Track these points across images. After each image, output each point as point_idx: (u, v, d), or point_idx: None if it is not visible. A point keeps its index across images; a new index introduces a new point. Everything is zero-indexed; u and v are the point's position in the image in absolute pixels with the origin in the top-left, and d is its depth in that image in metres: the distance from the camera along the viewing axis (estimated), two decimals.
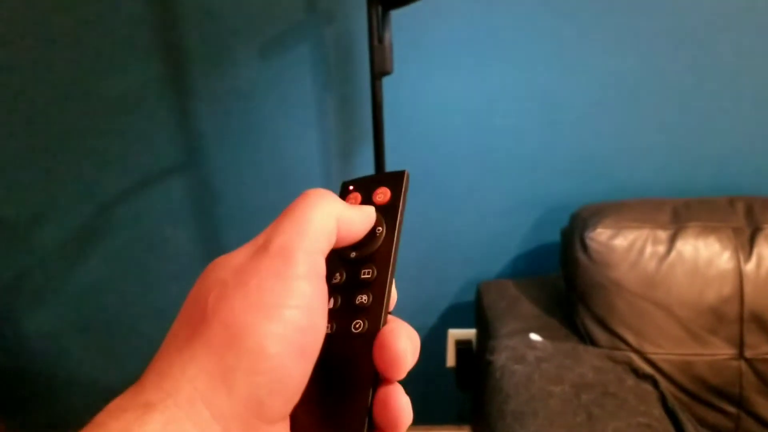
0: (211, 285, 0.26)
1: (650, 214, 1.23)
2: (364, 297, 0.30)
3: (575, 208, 1.33)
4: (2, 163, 1.48)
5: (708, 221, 1.20)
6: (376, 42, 1.05)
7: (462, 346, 1.63)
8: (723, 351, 1.15)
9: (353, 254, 0.32)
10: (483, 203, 1.48)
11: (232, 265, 0.27)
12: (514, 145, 1.42)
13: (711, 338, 1.15)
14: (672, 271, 1.16)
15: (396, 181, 0.34)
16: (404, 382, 0.29)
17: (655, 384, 1.09)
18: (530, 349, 1.14)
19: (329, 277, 0.31)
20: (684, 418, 1.02)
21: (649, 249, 1.18)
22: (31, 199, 1.52)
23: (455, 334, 1.65)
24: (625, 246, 1.19)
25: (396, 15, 1.10)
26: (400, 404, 0.27)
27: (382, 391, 0.28)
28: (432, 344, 1.67)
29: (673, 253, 1.17)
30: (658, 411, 1.02)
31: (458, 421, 1.78)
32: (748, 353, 1.14)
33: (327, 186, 1.35)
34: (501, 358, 1.14)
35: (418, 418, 1.71)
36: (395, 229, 0.32)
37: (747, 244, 1.17)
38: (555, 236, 1.44)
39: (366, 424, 0.27)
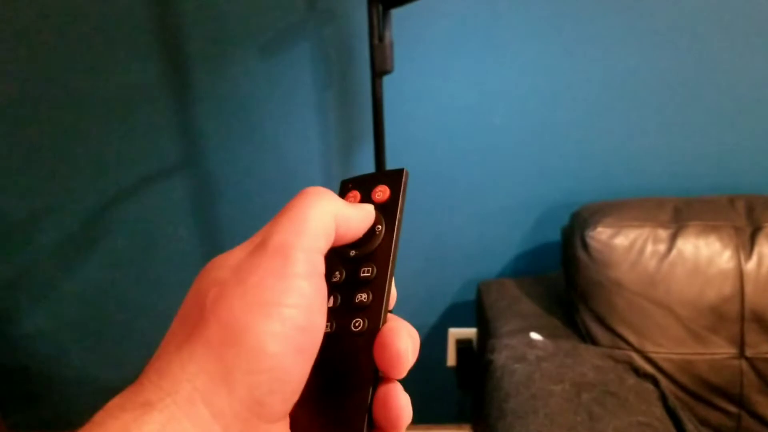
0: (210, 284, 0.26)
1: (651, 213, 1.23)
2: (364, 295, 0.30)
3: (576, 207, 1.33)
4: (2, 162, 1.48)
5: (709, 220, 1.20)
6: (376, 41, 1.05)
7: (462, 345, 1.63)
8: (723, 350, 1.15)
9: (353, 253, 0.32)
10: (483, 202, 1.48)
11: (230, 264, 0.27)
12: (514, 143, 1.42)
13: (711, 337, 1.15)
14: (673, 270, 1.16)
15: (395, 179, 0.34)
16: (404, 381, 0.29)
17: (655, 383, 1.09)
18: (531, 348, 1.14)
19: (328, 276, 0.30)
20: (684, 417, 1.02)
21: (649, 248, 1.18)
22: (32, 199, 1.52)
23: (455, 333, 1.65)
24: (625, 245, 1.19)
25: (396, 14, 1.10)
26: (400, 403, 0.27)
27: (382, 390, 0.28)
28: (432, 343, 1.67)
29: (674, 252, 1.16)
30: (658, 410, 1.02)
31: (458, 420, 1.78)
32: (748, 352, 1.14)
33: (327, 185, 1.35)
34: (501, 357, 1.13)
35: (418, 418, 1.72)
36: (395, 228, 0.32)
37: (748, 243, 1.16)
38: (555, 235, 1.44)
39: (366, 423, 0.27)
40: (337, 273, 0.32)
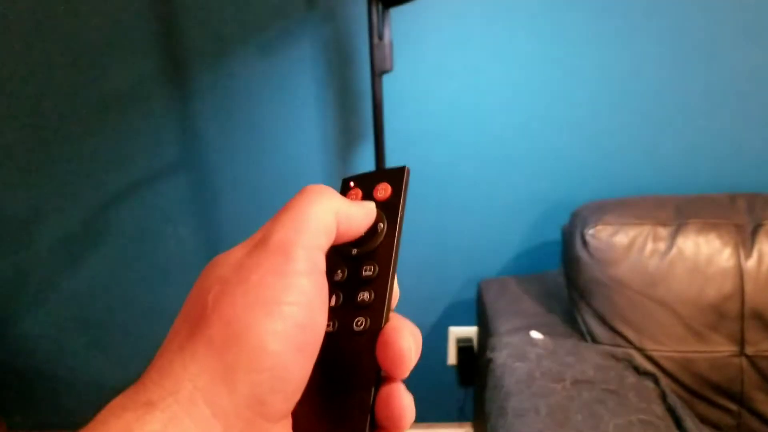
0: (211, 282, 0.26)
1: (651, 211, 1.23)
2: (366, 294, 0.30)
3: (576, 205, 1.33)
4: (2, 163, 1.48)
5: (709, 218, 1.20)
6: (376, 40, 1.05)
7: (463, 344, 1.63)
8: (724, 348, 1.15)
9: (354, 251, 0.32)
10: (484, 201, 1.48)
11: (231, 262, 0.27)
12: (514, 142, 1.42)
13: (712, 335, 1.15)
14: (673, 268, 1.16)
15: (397, 177, 0.34)
16: (405, 380, 0.29)
17: (656, 381, 1.09)
18: (531, 347, 1.14)
19: (330, 275, 0.30)
20: (685, 415, 1.02)
21: (649, 246, 1.18)
22: (31, 199, 1.52)
23: (456, 331, 1.65)
24: (625, 243, 1.19)
25: (396, 13, 1.10)
26: (402, 403, 0.27)
27: (385, 390, 0.27)
28: (433, 342, 1.67)
29: (674, 250, 1.16)
30: (659, 408, 1.01)
31: (459, 418, 1.79)
32: (748, 350, 1.14)
33: (327, 183, 1.36)
34: (502, 355, 1.14)
35: (420, 416, 1.72)
36: (396, 226, 0.32)
37: (748, 241, 1.16)
38: (556, 233, 1.44)
39: (368, 423, 0.27)
40: (339, 271, 0.31)
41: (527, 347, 1.14)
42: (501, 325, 1.27)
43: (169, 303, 1.62)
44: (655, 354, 1.16)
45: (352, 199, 0.34)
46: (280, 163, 1.46)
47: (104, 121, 1.43)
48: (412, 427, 0.28)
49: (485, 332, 1.34)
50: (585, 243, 1.21)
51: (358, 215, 0.30)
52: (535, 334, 1.19)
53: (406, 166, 0.34)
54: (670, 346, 1.16)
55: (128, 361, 1.71)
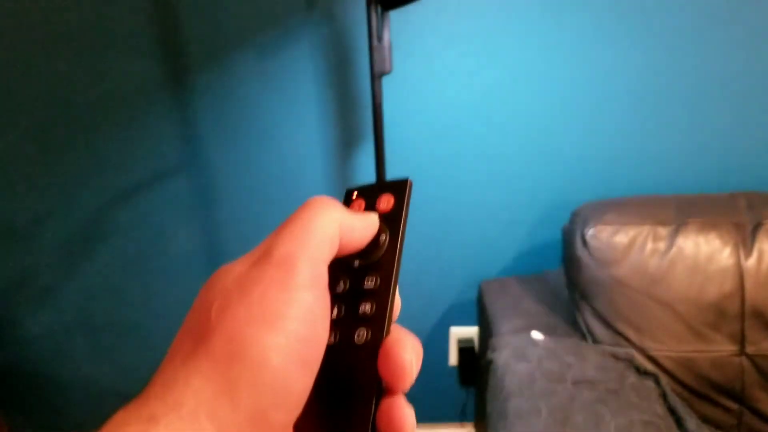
0: (215, 295, 0.26)
1: (651, 211, 1.23)
2: (368, 306, 0.30)
3: (576, 205, 1.33)
4: (3, 164, 1.48)
5: (709, 217, 1.20)
6: (375, 41, 1.05)
7: (464, 344, 1.64)
8: (724, 347, 1.15)
9: (357, 263, 0.32)
10: (484, 201, 1.48)
11: (234, 275, 0.27)
12: (514, 142, 1.42)
13: (712, 334, 1.15)
14: (673, 267, 1.16)
15: (400, 189, 0.34)
16: None
17: (656, 381, 1.10)
18: (532, 347, 1.14)
19: (332, 286, 0.30)
20: (685, 414, 1.02)
21: (650, 246, 1.18)
22: (32, 201, 1.52)
23: (457, 332, 1.65)
24: (626, 243, 1.19)
25: (395, 15, 1.10)
26: (404, 415, 0.27)
27: (386, 402, 0.27)
28: (434, 342, 1.67)
29: (674, 250, 1.16)
30: (660, 408, 1.02)
31: (461, 419, 1.79)
32: (749, 349, 1.14)
33: (327, 184, 1.36)
34: (503, 356, 1.14)
35: (421, 416, 1.72)
36: (398, 237, 0.32)
37: (748, 240, 1.16)
38: (556, 233, 1.45)
39: None
40: (341, 283, 0.31)
41: (528, 348, 1.14)
42: (502, 325, 1.27)
43: (170, 305, 1.62)
44: (655, 353, 1.16)
45: (355, 209, 0.34)
46: (280, 164, 1.46)
47: (104, 124, 1.43)
48: None
49: (486, 332, 1.34)
50: (585, 243, 1.21)
51: (361, 227, 0.31)
52: (536, 335, 1.20)
53: (410, 178, 0.34)
54: (670, 346, 1.16)
55: (130, 363, 1.72)
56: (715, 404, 1.16)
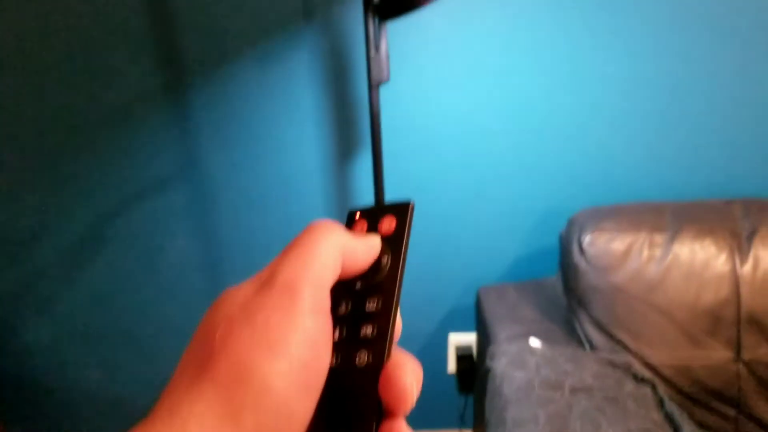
0: (220, 320, 0.27)
1: (647, 218, 1.23)
2: (369, 329, 0.30)
3: (573, 211, 1.33)
4: (2, 174, 1.48)
5: (704, 224, 1.20)
6: (372, 51, 1.06)
7: (462, 351, 1.64)
8: (721, 354, 1.15)
9: (359, 284, 0.32)
10: (481, 207, 1.49)
11: (239, 301, 0.27)
12: (511, 150, 1.43)
13: (709, 341, 1.15)
14: (669, 274, 1.16)
15: (402, 211, 0.34)
16: None
17: (653, 388, 1.10)
18: (530, 355, 1.15)
19: (334, 308, 0.30)
20: (683, 421, 1.02)
21: (646, 252, 1.18)
22: (32, 211, 1.52)
23: (456, 338, 1.65)
24: (622, 250, 1.19)
25: (392, 25, 1.10)
26: None
27: (387, 425, 0.28)
28: (433, 349, 1.68)
29: (670, 257, 1.17)
30: (657, 415, 1.02)
31: (459, 425, 1.79)
32: (745, 356, 1.15)
33: (326, 193, 1.37)
34: (501, 363, 1.14)
35: (420, 423, 1.73)
36: (400, 260, 0.32)
37: (743, 247, 1.17)
38: (554, 240, 1.45)
39: None
40: (342, 305, 0.32)
41: (526, 355, 1.15)
42: (500, 332, 1.27)
43: (169, 314, 1.62)
44: (653, 360, 1.16)
45: (357, 230, 0.34)
46: (279, 172, 1.47)
47: (104, 133, 1.44)
48: None
49: (484, 339, 1.34)
50: (582, 250, 1.22)
51: (363, 250, 0.31)
52: (534, 342, 1.20)
53: (412, 201, 0.34)
54: (667, 353, 1.16)
55: (129, 373, 1.71)
56: (712, 411, 1.17)
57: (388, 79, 1.09)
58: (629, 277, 1.18)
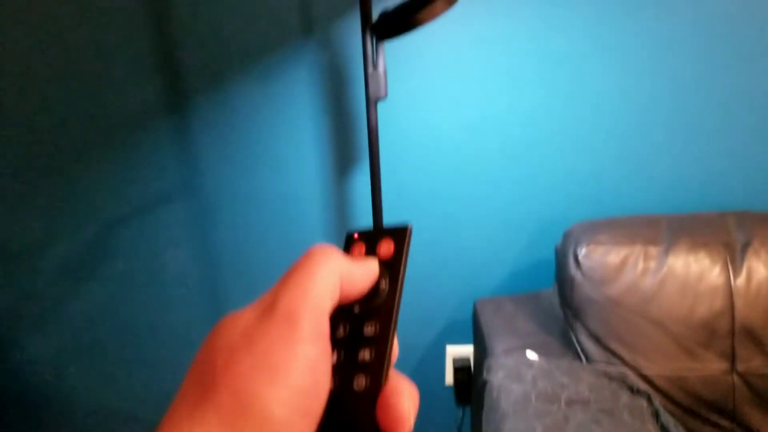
0: (220, 348, 0.27)
1: (642, 231, 1.25)
2: (367, 353, 0.30)
3: (569, 223, 1.35)
4: (3, 188, 1.50)
5: (699, 237, 1.22)
6: (370, 69, 1.07)
7: (460, 363, 1.65)
8: (716, 365, 1.16)
9: (357, 308, 0.32)
10: (478, 221, 1.50)
11: (239, 328, 0.28)
12: (507, 163, 1.44)
13: (704, 353, 1.16)
14: (664, 286, 1.18)
15: (400, 235, 0.34)
16: None
17: (649, 399, 1.11)
18: (526, 368, 1.16)
19: (333, 331, 0.31)
20: None
21: (641, 265, 1.20)
22: (31, 226, 1.53)
23: (453, 351, 1.66)
24: (617, 263, 1.21)
25: (390, 42, 1.12)
26: None
27: None
28: (430, 361, 1.68)
29: (665, 269, 1.18)
30: (652, 427, 1.03)
31: None
32: (740, 367, 1.16)
33: (324, 208, 1.38)
34: (498, 376, 1.15)
35: None
36: (398, 285, 0.33)
37: (737, 259, 1.18)
38: (549, 252, 1.46)
39: None
40: (341, 328, 0.32)
41: (523, 368, 1.16)
42: (497, 345, 1.28)
43: (170, 327, 1.63)
44: (648, 372, 1.17)
45: (355, 253, 0.35)
46: (278, 187, 1.48)
47: (105, 148, 1.45)
48: None
49: (481, 352, 1.35)
50: (578, 263, 1.23)
51: (361, 275, 0.32)
52: (531, 355, 1.21)
53: (410, 224, 0.35)
54: (662, 364, 1.17)
55: (130, 386, 1.72)
56: (707, 422, 1.18)
57: (385, 96, 1.10)
58: (624, 290, 1.19)
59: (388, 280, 0.33)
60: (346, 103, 1.40)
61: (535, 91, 1.38)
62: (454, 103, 1.39)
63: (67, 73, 1.38)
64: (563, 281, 1.29)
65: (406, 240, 0.34)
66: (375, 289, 0.33)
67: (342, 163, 1.45)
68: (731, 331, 1.16)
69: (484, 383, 1.18)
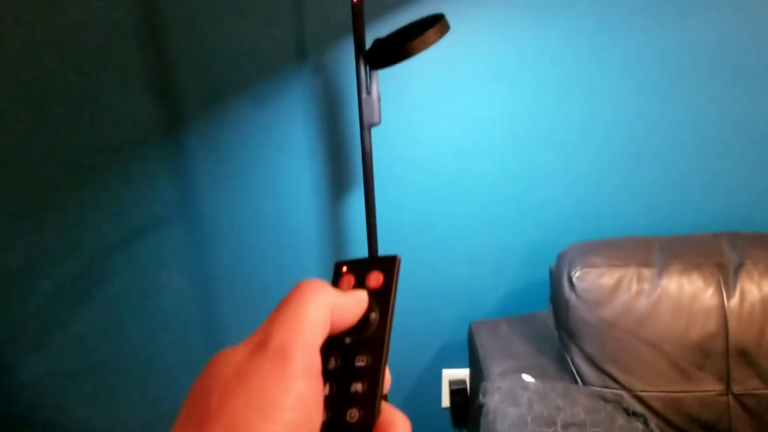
0: (214, 385, 0.28)
1: (636, 253, 1.26)
2: (359, 385, 0.31)
3: (563, 245, 1.35)
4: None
5: (692, 258, 1.23)
6: (364, 94, 1.09)
7: (456, 386, 1.64)
8: (711, 387, 1.17)
9: (348, 339, 0.33)
10: (472, 243, 1.51)
11: (232, 364, 0.28)
12: (501, 186, 1.45)
13: (699, 374, 1.17)
14: (658, 308, 1.18)
15: (389, 266, 0.35)
16: None
17: (645, 422, 1.11)
18: (522, 390, 1.16)
19: (324, 363, 0.31)
20: None
21: (635, 287, 1.20)
22: (28, 249, 1.53)
23: (449, 374, 1.66)
24: (611, 285, 1.21)
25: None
26: None
27: None
28: (426, 384, 1.68)
29: (659, 291, 1.19)
30: None
31: None
32: (735, 388, 1.16)
33: (319, 232, 1.38)
34: (494, 400, 1.15)
35: None
36: (388, 315, 0.33)
37: (730, 280, 1.19)
38: (544, 273, 1.47)
39: None
40: (332, 360, 0.32)
41: (519, 391, 1.16)
42: (493, 367, 1.28)
43: (165, 351, 1.62)
44: (643, 394, 1.18)
45: (344, 284, 0.35)
46: (273, 210, 1.49)
47: (99, 172, 1.45)
48: None
49: (477, 375, 1.35)
50: (572, 285, 1.24)
51: (351, 307, 0.32)
52: (527, 378, 1.21)
53: (399, 255, 0.35)
54: (658, 386, 1.17)
55: (126, 410, 1.71)
56: None
57: (379, 122, 1.12)
58: (619, 312, 1.20)
59: (378, 311, 0.33)
60: (340, 128, 1.41)
61: (526, 115, 1.40)
62: (447, 127, 1.41)
63: (63, 96, 1.39)
64: (558, 303, 1.30)
65: (395, 270, 0.34)
66: (365, 320, 0.33)
67: (337, 187, 1.46)
68: (725, 352, 1.16)
69: (481, 406, 1.18)
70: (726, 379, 1.17)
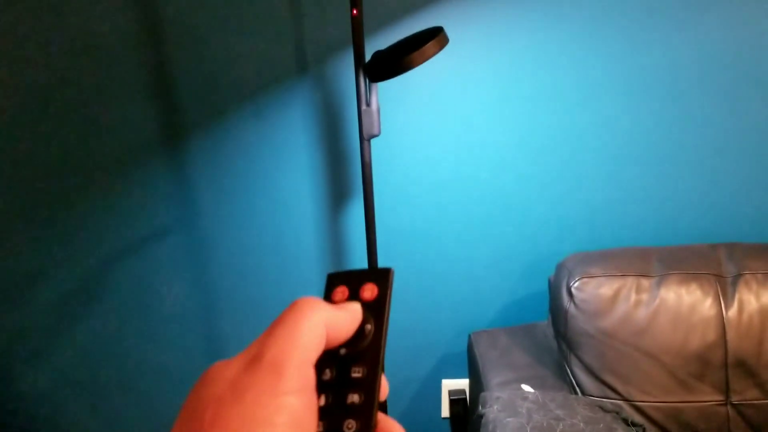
0: (208, 399, 0.28)
1: (634, 263, 1.26)
2: (355, 397, 0.31)
3: (562, 255, 1.36)
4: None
5: (690, 269, 1.23)
6: (364, 106, 1.10)
7: (456, 396, 1.64)
8: (710, 397, 1.17)
9: (343, 351, 0.33)
10: (471, 254, 1.52)
11: (227, 379, 0.29)
12: (499, 197, 1.46)
13: (698, 385, 1.17)
14: (656, 318, 1.18)
15: (382, 277, 0.35)
16: None
17: None
18: (522, 400, 1.16)
19: (319, 375, 0.32)
20: None
21: (633, 297, 1.21)
22: (28, 259, 1.53)
23: (449, 384, 1.66)
24: (610, 295, 1.22)
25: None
26: None
27: None
28: (426, 394, 1.68)
29: (657, 301, 1.19)
30: None
31: None
32: (734, 398, 1.16)
33: (320, 243, 1.38)
34: (493, 410, 1.15)
35: None
36: (382, 327, 0.33)
37: (729, 291, 1.20)
38: (543, 284, 1.48)
39: None
40: (327, 371, 0.32)
41: (518, 401, 1.16)
42: (492, 378, 1.28)
43: (165, 363, 1.62)
44: (642, 404, 1.18)
45: (338, 297, 0.35)
46: (273, 222, 1.49)
47: (100, 182, 1.46)
48: None
49: (477, 385, 1.35)
50: (571, 295, 1.24)
51: (346, 320, 0.32)
52: (527, 388, 1.21)
53: (392, 267, 0.36)
54: (657, 397, 1.18)
55: (123, 421, 1.71)
56: None
57: (379, 134, 1.12)
58: (617, 322, 1.20)
59: (373, 323, 0.33)
60: (340, 139, 1.42)
61: (525, 127, 1.40)
62: (446, 139, 1.41)
63: (64, 110, 1.40)
64: (557, 313, 1.30)
65: (389, 282, 0.35)
66: (360, 331, 0.33)
67: (336, 198, 1.47)
68: (724, 363, 1.17)
69: (480, 416, 1.18)
70: (725, 389, 1.17)
